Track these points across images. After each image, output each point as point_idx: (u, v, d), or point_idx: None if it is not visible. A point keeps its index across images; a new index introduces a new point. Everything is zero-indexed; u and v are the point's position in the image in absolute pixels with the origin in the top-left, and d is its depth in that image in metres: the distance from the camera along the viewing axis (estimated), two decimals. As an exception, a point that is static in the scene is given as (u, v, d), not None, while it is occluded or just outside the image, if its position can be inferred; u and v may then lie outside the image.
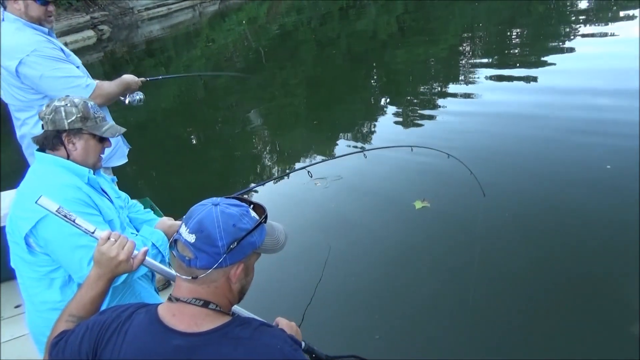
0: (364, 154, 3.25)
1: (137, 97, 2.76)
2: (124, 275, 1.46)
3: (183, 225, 1.04)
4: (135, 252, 1.28)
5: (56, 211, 1.22)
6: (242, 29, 16.31)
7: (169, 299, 1.09)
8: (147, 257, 1.32)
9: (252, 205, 1.13)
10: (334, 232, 3.84)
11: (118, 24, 23.21)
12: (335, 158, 2.75)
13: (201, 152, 6.90)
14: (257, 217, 1.10)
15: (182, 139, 7.38)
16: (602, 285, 2.88)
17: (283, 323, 1.31)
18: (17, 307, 2.71)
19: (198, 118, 8.58)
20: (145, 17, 25.74)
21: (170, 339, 1.02)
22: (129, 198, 1.99)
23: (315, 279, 3.26)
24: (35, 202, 1.22)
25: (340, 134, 6.43)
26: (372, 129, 6.55)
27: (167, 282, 2.97)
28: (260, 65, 12.25)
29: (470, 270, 3.13)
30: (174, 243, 1.07)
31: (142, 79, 2.81)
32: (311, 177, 2.61)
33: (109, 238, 1.24)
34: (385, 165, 4.71)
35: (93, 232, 1.28)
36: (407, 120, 6.48)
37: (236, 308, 1.29)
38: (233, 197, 1.13)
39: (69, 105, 1.59)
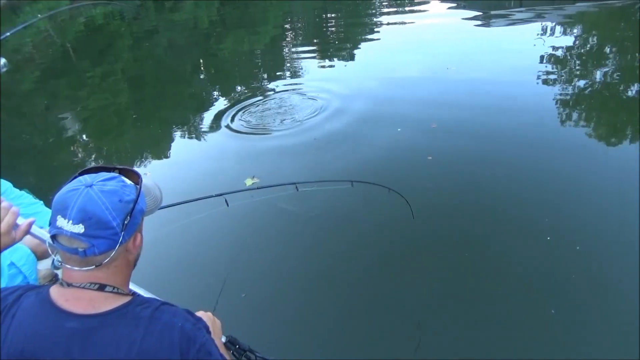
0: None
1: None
2: None
3: (60, 218, 0.94)
4: (21, 221, 1.17)
5: None
6: (42, 24, 14.37)
7: (60, 283, 1.00)
8: (34, 227, 1.21)
9: (117, 171, 1.08)
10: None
11: None
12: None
13: (10, 166, 6.00)
14: (133, 183, 1.06)
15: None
16: (602, 285, 2.84)
17: (199, 313, 1.27)
18: None
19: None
20: None
21: (63, 322, 0.94)
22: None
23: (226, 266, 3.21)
24: None
25: (172, 129, 6.24)
26: (212, 123, 6.49)
27: (54, 279, 2.65)
28: (70, 64, 11.03)
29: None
30: (52, 239, 0.98)
31: None
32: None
33: None
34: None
35: None
36: (236, 104, 6.59)
37: (137, 288, 1.26)
38: (96, 168, 1.06)
39: None
